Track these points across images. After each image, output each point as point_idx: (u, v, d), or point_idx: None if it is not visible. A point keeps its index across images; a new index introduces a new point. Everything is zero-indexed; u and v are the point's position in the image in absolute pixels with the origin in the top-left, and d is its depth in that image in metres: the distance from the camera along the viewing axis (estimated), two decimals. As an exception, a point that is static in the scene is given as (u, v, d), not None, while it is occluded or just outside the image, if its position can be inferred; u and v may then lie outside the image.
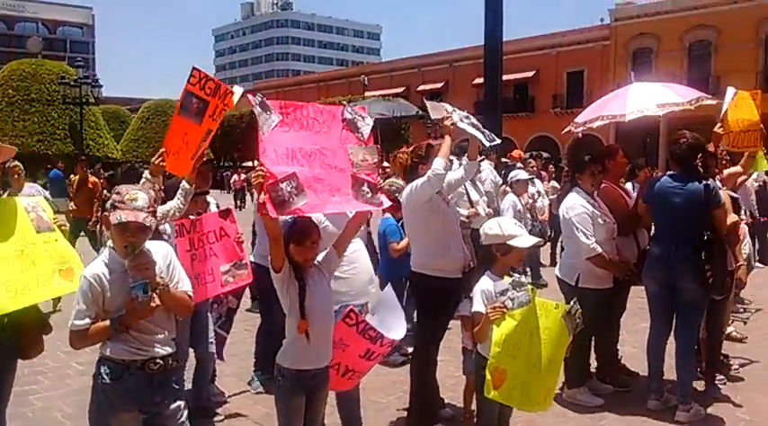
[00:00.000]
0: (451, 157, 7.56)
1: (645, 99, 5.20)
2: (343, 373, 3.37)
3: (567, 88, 40.03)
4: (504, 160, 10.55)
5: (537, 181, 10.27)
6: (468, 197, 7.02)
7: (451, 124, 4.16)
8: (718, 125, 5.21)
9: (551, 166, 15.22)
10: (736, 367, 5.58)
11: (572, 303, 3.31)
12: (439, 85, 44.86)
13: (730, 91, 5.32)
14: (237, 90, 3.92)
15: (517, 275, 3.33)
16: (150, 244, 2.83)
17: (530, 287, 3.22)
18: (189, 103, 3.77)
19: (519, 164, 10.30)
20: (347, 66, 75.17)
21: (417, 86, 45.92)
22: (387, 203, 3.15)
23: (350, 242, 3.32)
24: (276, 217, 2.83)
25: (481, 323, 3.15)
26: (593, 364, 5.26)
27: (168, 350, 2.84)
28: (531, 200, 8.94)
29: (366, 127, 3.16)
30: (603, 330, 5.12)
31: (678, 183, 4.58)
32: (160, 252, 2.86)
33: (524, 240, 3.34)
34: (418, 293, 4.39)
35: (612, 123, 5.40)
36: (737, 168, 5.52)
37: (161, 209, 3.80)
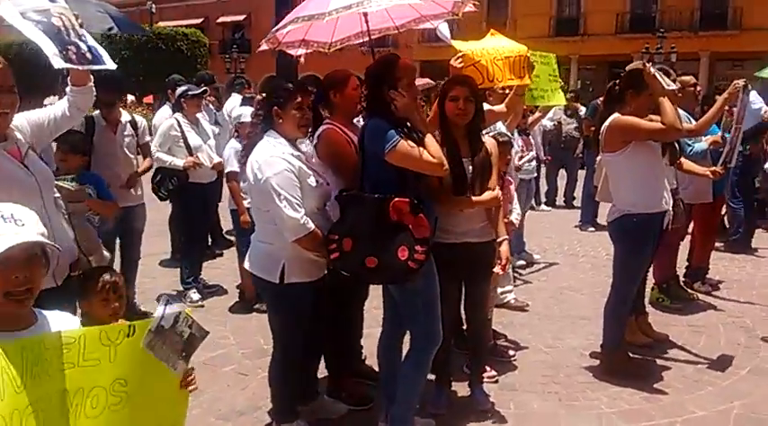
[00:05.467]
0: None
1: None
2: None
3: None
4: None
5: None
6: (186, 142, 5.28)
7: None
8: (457, 58, 3.88)
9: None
10: (513, 354, 4.46)
11: (161, 307, 1.80)
12: (241, 18, 41.38)
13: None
14: None
15: None
16: None
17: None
18: None
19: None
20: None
21: (217, 18, 42.23)
22: None
23: None
24: None
25: None
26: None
27: None
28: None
29: None
30: (339, 331, 3.71)
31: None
32: None
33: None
34: None
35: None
36: (501, 106, 4.33)
37: None
